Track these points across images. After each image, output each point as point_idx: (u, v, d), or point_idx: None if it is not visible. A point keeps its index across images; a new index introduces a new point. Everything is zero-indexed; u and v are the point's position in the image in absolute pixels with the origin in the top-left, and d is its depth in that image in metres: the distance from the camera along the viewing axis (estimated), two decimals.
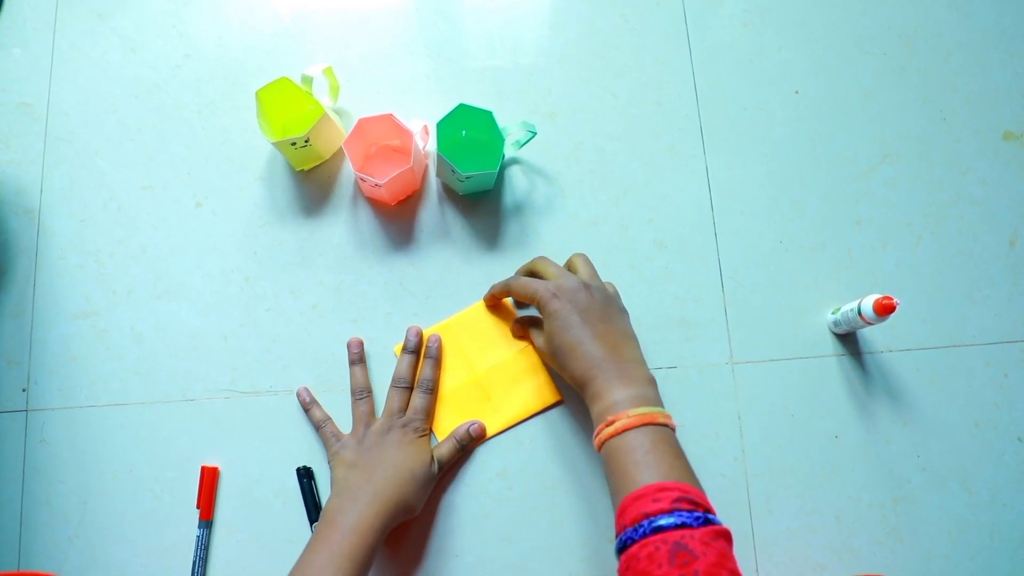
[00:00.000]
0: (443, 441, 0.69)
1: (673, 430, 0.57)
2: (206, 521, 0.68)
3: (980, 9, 0.82)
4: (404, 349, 0.70)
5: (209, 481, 0.68)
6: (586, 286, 0.63)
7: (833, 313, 0.72)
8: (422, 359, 0.71)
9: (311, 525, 0.68)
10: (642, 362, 0.62)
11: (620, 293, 0.71)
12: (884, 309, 0.64)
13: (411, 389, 0.70)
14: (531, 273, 0.68)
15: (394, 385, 0.69)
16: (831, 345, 0.73)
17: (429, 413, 0.69)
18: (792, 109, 0.79)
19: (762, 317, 0.73)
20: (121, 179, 0.76)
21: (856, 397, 0.72)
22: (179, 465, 0.70)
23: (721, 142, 0.77)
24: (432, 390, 0.70)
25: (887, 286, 0.74)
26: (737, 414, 0.71)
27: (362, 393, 0.69)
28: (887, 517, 0.70)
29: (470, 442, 0.69)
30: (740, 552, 0.67)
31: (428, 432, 0.69)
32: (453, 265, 0.74)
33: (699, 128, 0.78)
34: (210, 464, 0.69)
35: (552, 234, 0.75)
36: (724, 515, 0.68)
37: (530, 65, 0.79)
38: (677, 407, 0.71)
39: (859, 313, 0.66)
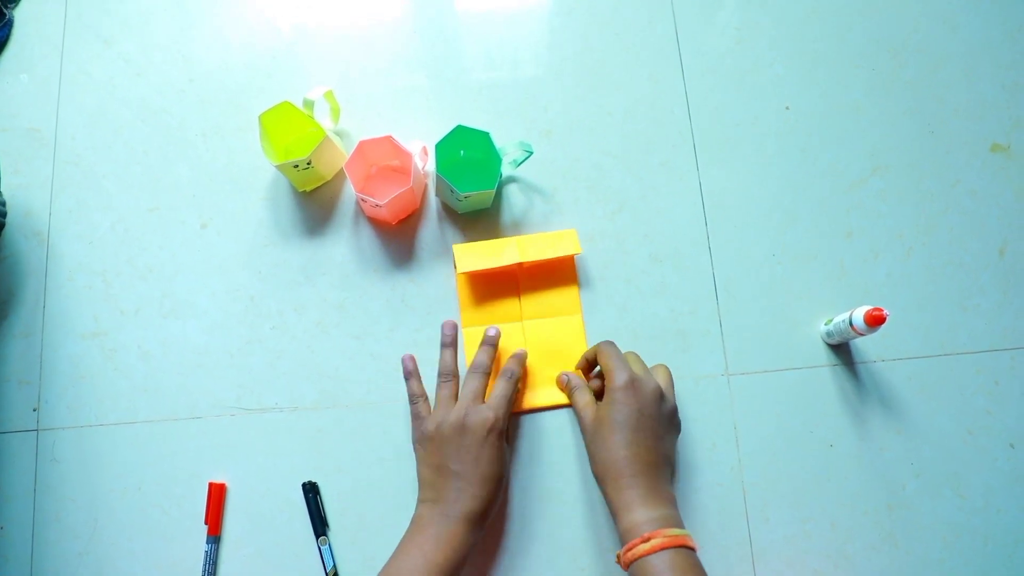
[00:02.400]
0: (501, 407, 0.66)
1: (695, 551, 0.59)
2: (214, 536, 0.69)
3: (968, 23, 0.84)
4: (483, 343, 0.70)
5: (217, 497, 0.70)
6: (661, 396, 0.64)
7: (826, 324, 0.73)
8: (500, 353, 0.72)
9: (317, 539, 0.69)
10: (670, 482, 0.63)
11: (616, 307, 0.74)
12: (874, 320, 0.65)
13: (489, 375, 0.69)
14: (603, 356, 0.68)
15: (471, 371, 0.68)
16: (824, 355, 0.74)
17: (510, 405, 0.67)
18: (783, 123, 0.80)
19: (756, 328, 0.75)
20: (128, 201, 0.78)
21: (850, 406, 0.73)
22: (187, 481, 0.71)
23: (714, 157, 0.79)
24: (515, 380, 0.68)
25: (879, 296, 0.76)
26: (733, 424, 0.73)
27: (448, 376, 0.68)
28: (882, 523, 0.71)
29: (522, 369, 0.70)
30: (738, 560, 0.69)
31: (506, 423, 0.67)
32: (453, 282, 0.75)
33: (692, 143, 0.79)
34: (217, 480, 0.71)
35: None
36: (721, 524, 0.70)
37: (526, 83, 0.81)
38: None
39: (850, 324, 0.68)
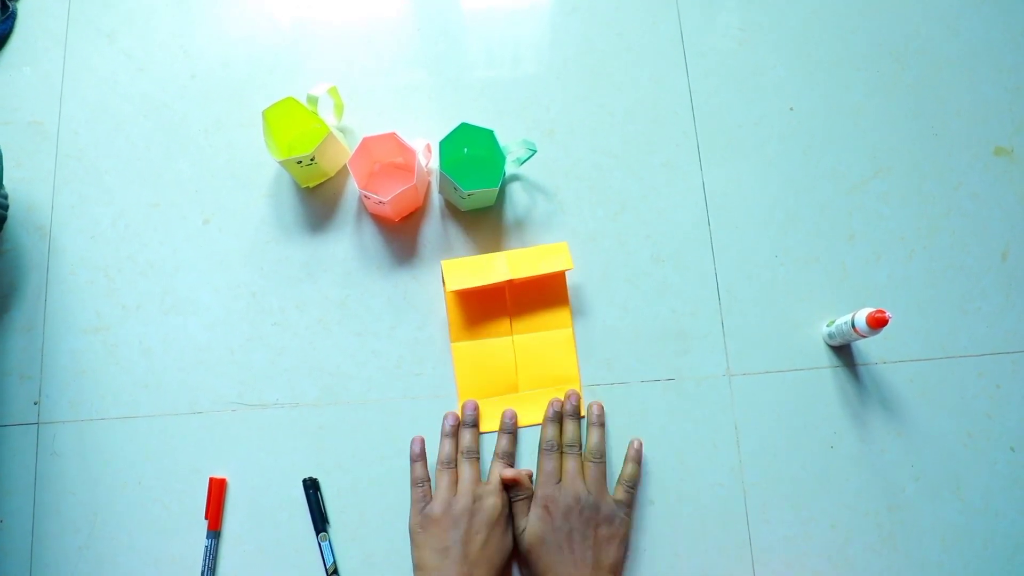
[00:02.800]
0: (515, 504, 0.68)
1: None
2: (214, 531, 0.69)
3: (970, 26, 0.84)
4: (463, 424, 0.71)
5: (217, 492, 0.70)
6: (580, 509, 0.65)
7: (828, 325, 0.74)
8: (499, 433, 0.72)
9: (317, 535, 0.69)
10: None
11: (618, 307, 0.73)
12: (877, 322, 0.65)
13: (478, 456, 0.70)
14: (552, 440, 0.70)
15: (466, 456, 0.69)
16: (826, 357, 0.75)
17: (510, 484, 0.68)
18: (786, 125, 0.80)
19: (758, 329, 0.75)
20: (130, 196, 0.78)
21: (851, 408, 0.73)
22: (187, 477, 0.71)
23: (717, 158, 0.79)
24: (511, 462, 0.70)
25: (880, 299, 0.76)
26: (734, 425, 0.73)
27: (449, 463, 0.69)
28: (881, 525, 0.71)
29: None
30: (738, 560, 0.69)
31: (508, 504, 0.67)
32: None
33: (695, 144, 0.79)
34: (218, 475, 0.71)
35: None
36: (721, 524, 0.70)
37: (529, 83, 0.81)
38: (675, 419, 0.72)
39: (852, 326, 0.68)
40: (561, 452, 0.69)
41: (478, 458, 0.69)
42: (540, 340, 0.73)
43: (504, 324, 0.74)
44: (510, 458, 0.70)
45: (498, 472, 0.68)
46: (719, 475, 0.72)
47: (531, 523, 0.65)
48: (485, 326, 0.74)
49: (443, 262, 0.72)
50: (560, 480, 0.67)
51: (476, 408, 0.71)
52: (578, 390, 0.73)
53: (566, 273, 0.75)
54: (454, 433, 0.70)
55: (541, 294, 0.74)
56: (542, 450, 0.69)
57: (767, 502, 0.71)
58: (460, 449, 0.69)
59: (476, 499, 0.65)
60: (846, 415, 0.73)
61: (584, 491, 0.66)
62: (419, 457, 0.69)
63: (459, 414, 0.71)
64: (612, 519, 0.66)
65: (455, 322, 0.74)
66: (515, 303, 0.74)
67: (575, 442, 0.69)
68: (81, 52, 0.81)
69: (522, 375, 0.73)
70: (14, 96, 0.80)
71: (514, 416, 0.71)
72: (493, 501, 0.65)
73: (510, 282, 0.73)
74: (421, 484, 0.68)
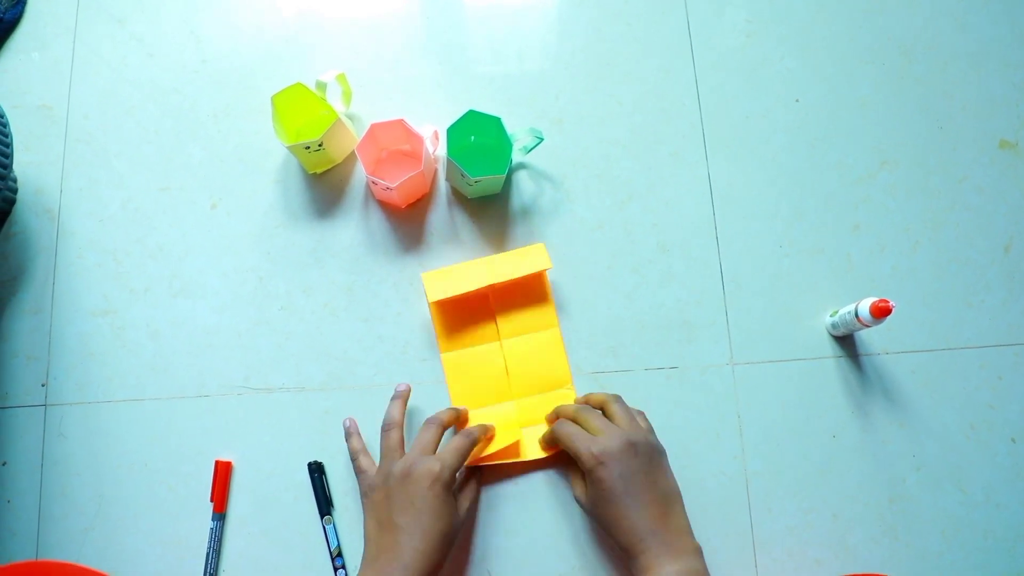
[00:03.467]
0: (464, 487, 0.67)
1: None
2: (219, 514, 0.69)
3: (978, 20, 0.84)
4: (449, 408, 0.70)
5: (223, 475, 0.70)
6: (631, 445, 0.61)
7: (831, 315, 0.74)
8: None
9: (321, 519, 0.69)
10: (688, 530, 0.61)
11: (623, 296, 0.74)
12: (880, 312, 0.65)
13: (443, 429, 0.67)
14: (576, 414, 0.66)
15: (428, 422, 0.67)
16: (829, 347, 0.75)
17: (461, 461, 0.63)
18: (793, 117, 0.80)
19: (762, 319, 0.75)
20: (139, 180, 0.78)
21: (853, 398, 0.73)
22: (193, 459, 0.71)
23: (723, 148, 0.79)
24: (473, 439, 0.65)
25: (884, 290, 0.76)
26: (737, 414, 0.73)
27: (391, 426, 0.67)
28: (883, 516, 0.71)
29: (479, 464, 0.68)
30: (739, 549, 0.69)
31: (455, 475, 0.63)
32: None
33: (702, 135, 0.79)
34: (224, 459, 0.71)
35: (558, 237, 0.76)
36: (723, 513, 0.70)
37: (537, 72, 0.81)
38: (678, 407, 0.73)
39: (856, 316, 0.68)
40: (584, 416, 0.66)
41: (442, 428, 0.67)
42: (528, 343, 0.73)
43: (491, 329, 0.74)
44: (473, 435, 0.66)
45: (456, 443, 0.64)
46: (722, 464, 0.72)
47: (590, 482, 0.62)
48: (472, 333, 0.73)
49: (423, 274, 0.73)
50: (596, 435, 0.62)
51: (408, 385, 0.71)
52: (572, 392, 0.73)
53: (554, 271, 0.75)
54: (400, 396, 0.69)
55: (524, 296, 0.74)
56: (559, 426, 0.65)
57: (769, 491, 0.71)
58: (397, 420, 0.68)
59: (414, 464, 0.62)
60: (849, 405, 0.73)
61: (629, 430, 0.63)
62: (351, 433, 0.70)
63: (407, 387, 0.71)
64: (658, 448, 0.64)
65: (441, 333, 0.73)
66: (499, 307, 0.74)
67: (582, 403, 0.68)
68: (91, 37, 0.82)
69: (514, 381, 0.73)
70: (24, 80, 0.81)
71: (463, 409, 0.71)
72: (429, 466, 0.61)
73: (492, 287, 0.72)
74: (356, 456, 0.68)
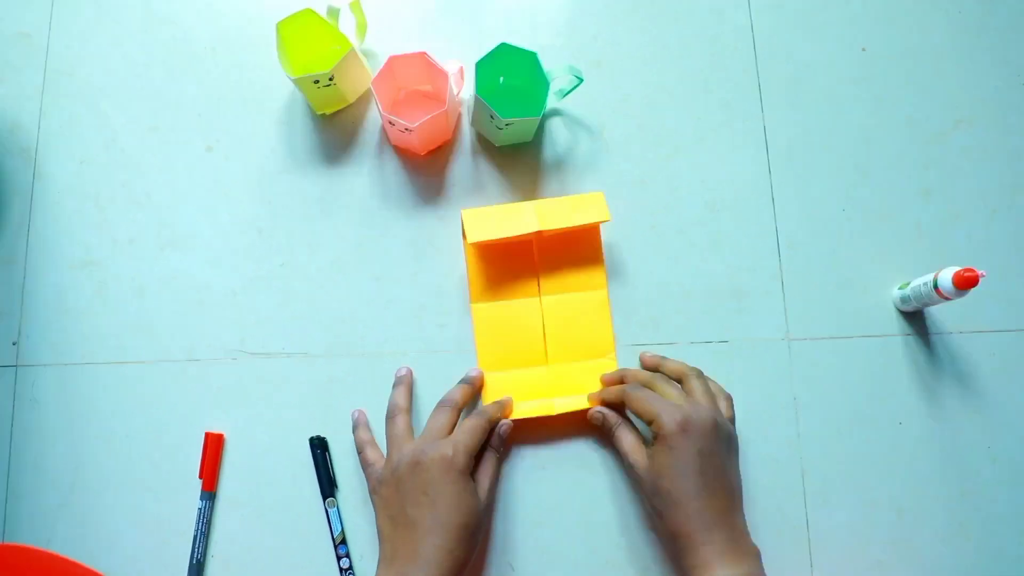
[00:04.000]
0: (480, 467, 0.59)
1: None
2: (209, 492, 0.63)
3: None
4: (461, 380, 0.63)
5: (213, 449, 0.64)
6: (716, 425, 0.55)
7: (900, 288, 0.66)
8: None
9: (324, 501, 0.62)
10: (748, 532, 0.55)
11: (667, 260, 0.68)
12: (966, 282, 0.59)
13: (458, 413, 0.61)
14: (649, 381, 0.60)
15: (440, 405, 0.61)
16: (896, 323, 0.67)
17: (477, 442, 0.58)
18: (858, 67, 0.73)
19: (822, 290, 0.68)
20: (125, 118, 0.70)
21: (922, 381, 0.67)
22: (181, 430, 0.65)
23: (780, 99, 0.71)
24: (487, 418, 0.60)
25: (958, 261, 0.67)
26: (793, 395, 0.66)
27: (397, 412, 0.61)
28: (953, 512, 0.64)
29: (504, 445, 0.62)
30: (793, 545, 0.63)
31: (471, 458, 0.57)
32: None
33: (757, 83, 0.72)
34: (215, 431, 0.64)
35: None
36: (776, 505, 0.63)
37: (574, 8, 0.73)
38: (728, 386, 0.65)
39: (935, 287, 0.61)
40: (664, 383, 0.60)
41: (456, 410, 0.61)
42: (571, 302, 0.66)
43: (531, 284, 0.66)
44: (487, 415, 0.60)
45: (471, 423, 0.59)
46: (775, 450, 0.65)
47: (663, 449, 0.55)
48: (510, 286, 0.66)
49: (463, 211, 0.65)
50: (679, 403, 0.56)
51: (409, 369, 0.64)
52: (613, 362, 0.66)
53: (601, 227, 0.67)
54: (403, 382, 0.63)
55: (573, 251, 0.67)
56: (631, 390, 0.59)
57: (827, 481, 0.64)
58: (403, 405, 0.62)
59: (425, 450, 0.56)
60: (917, 389, 0.66)
61: (716, 411, 0.57)
62: (359, 424, 0.63)
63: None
64: (735, 438, 0.59)
65: (476, 280, 0.66)
66: (544, 260, 0.66)
67: (654, 374, 0.61)
68: None
69: (551, 343, 0.65)
70: None
71: (480, 374, 0.64)
72: (441, 451, 0.55)
73: (539, 236, 0.65)
74: (363, 447, 0.61)
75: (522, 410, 0.63)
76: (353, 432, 0.63)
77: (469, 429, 0.58)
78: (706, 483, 0.53)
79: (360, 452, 0.61)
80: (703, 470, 0.54)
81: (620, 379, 0.63)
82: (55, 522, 0.63)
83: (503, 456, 0.62)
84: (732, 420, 0.60)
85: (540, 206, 0.64)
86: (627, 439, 0.59)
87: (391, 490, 0.56)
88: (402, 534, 0.54)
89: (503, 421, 0.61)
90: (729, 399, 0.62)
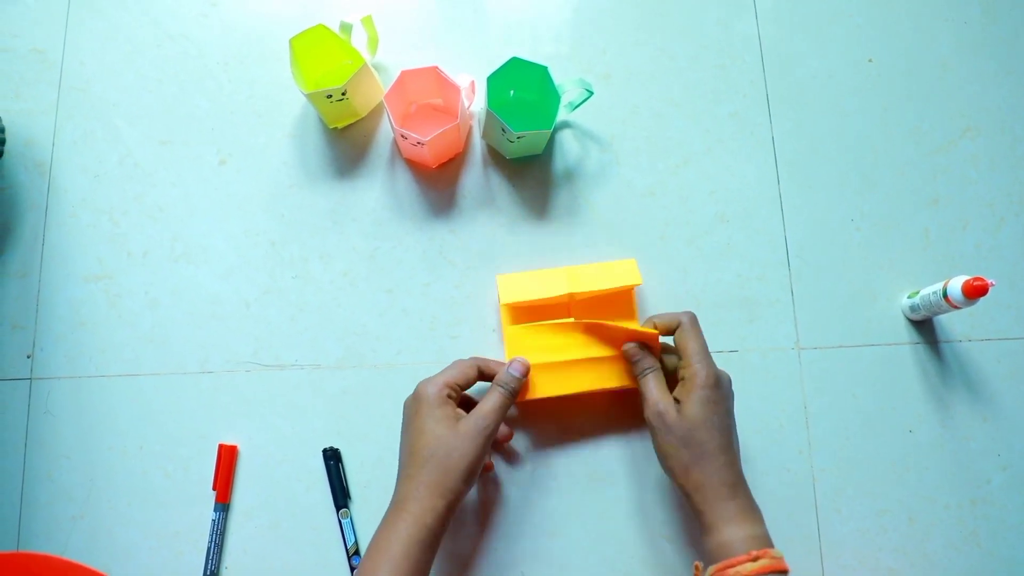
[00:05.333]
0: (483, 399, 0.57)
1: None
2: (222, 504, 0.63)
3: None
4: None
5: (227, 460, 0.64)
6: (732, 393, 0.58)
7: (910, 297, 0.66)
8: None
9: (337, 512, 0.63)
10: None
11: (677, 270, 0.69)
12: (975, 291, 0.59)
13: (480, 376, 0.60)
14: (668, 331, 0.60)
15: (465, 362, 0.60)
16: (906, 332, 0.68)
17: (459, 376, 0.58)
18: (865, 78, 0.73)
19: (831, 299, 0.68)
20: (139, 133, 0.71)
21: (932, 389, 0.67)
22: (194, 442, 0.65)
23: (788, 110, 0.72)
24: (481, 363, 0.60)
25: (966, 270, 0.68)
26: (803, 404, 0.66)
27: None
28: (964, 520, 0.64)
29: (518, 386, 0.59)
30: (805, 553, 0.63)
31: (447, 395, 0.56)
32: (498, 235, 0.68)
33: (765, 95, 0.72)
34: (228, 442, 0.64)
35: (605, 204, 0.69)
36: (788, 513, 0.63)
37: (583, 22, 0.74)
38: (739, 394, 0.65)
39: (944, 296, 0.61)
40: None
41: (473, 363, 0.60)
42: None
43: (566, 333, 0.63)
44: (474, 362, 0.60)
45: (457, 361, 0.59)
46: (785, 459, 0.65)
47: (702, 400, 0.55)
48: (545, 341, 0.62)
49: (498, 276, 0.65)
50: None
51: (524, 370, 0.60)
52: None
53: (635, 292, 0.67)
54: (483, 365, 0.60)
55: (607, 313, 0.66)
56: (685, 328, 0.59)
57: (838, 490, 0.65)
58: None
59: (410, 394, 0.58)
60: (927, 397, 0.67)
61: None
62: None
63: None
64: None
65: (511, 342, 0.62)
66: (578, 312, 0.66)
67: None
68: None
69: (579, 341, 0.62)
70: (15, 21, 0.73)
71: (522, 362, 0.60)
72: (418, 388, 0.57)
73: (573, 299, 0.65)
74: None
75: (559, 384, 0.61)
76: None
77: (453, 365, 0.59)
78: (731, 442, 0.56)
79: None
80: (730, 428, 0.56)
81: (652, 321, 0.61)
82: (70, 533, 0.63)
83: (512, 393, 0.58)
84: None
85: (572, 271, 0.64)
86: (659, 385, 0.58)
87: (404, 423, 0.58)
88: (406, 457, 0.56)
89: (515, 358, 0.60)
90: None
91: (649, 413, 0.57)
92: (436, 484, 0.53)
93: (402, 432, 0.57)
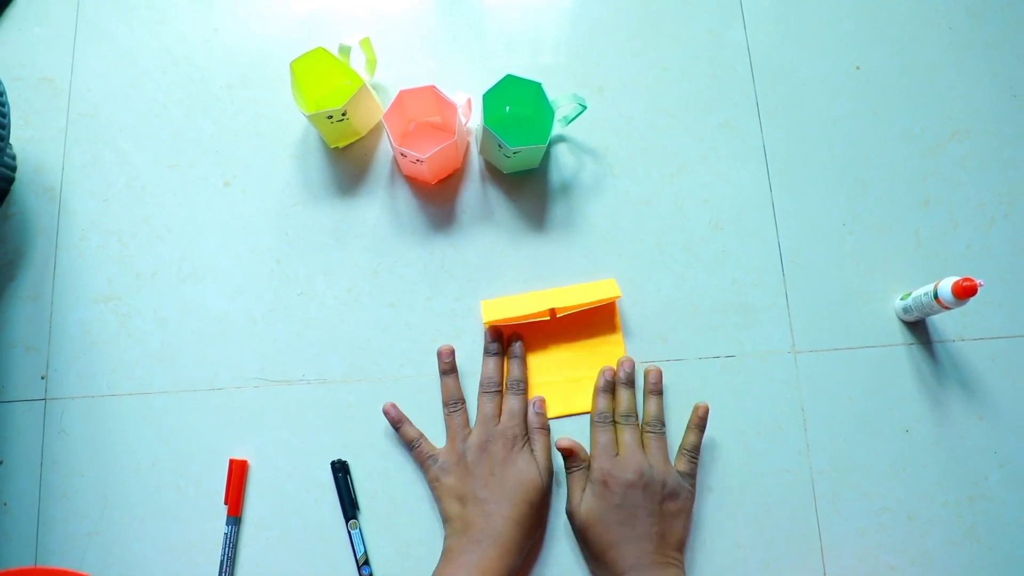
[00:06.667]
0: (535, 446, 0.63)
1: None
2: (234, 517, 0.64)
3: None
4: (485, 352, 0.66)
5: (238, 475, 0.65)
6: (644, 484, 0.59)
7: (902, 299, 0.67)
8: (507, 359, 0.67)
9: (347, 523, 0.64)
10: (676, 558, 0.59)
11: (674, 276, 0.69)
12: (965, 292, 0.60)
13: (502, 393, 0.65)
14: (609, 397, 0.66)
15: (483, 390, 0.65)
16: (899, 333, 0.69)
17: (524, 419, 0.64)
18: (854, 84, 0.74)
19: (825, 303, 0.69)
20: (146, 156, 0.72)
21: (927, 389, 0.67)
22: (205, 458, 0.66)
23: (779, 118, 0.73)
24: (524, 391, 0.65)
25: (958, 270, 0.70)
26: (800, 406, 0.67)
27: (456, 405, 0.65)
28: (962, 516, 0.65)
29: (545, 421, 0.65)
30: (806, 553, 0.64)
31: (527, 438, 0.64)
32: (497, 248, 0.70)
33: (755, 103, 0.73)
34: (239, 457, 0.65)
35: (601, 215, 0.70)
36: (787, 514, 0.64)
37: (576, 36, 0.75)
38: (736, 398, 0.67)
39: (935, 297, 0.62)
40: (615, 424, 0.64)
41: (500, 392, 0.65)
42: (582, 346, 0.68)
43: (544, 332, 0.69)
44: (522, 386, 0.65)
45: (514, 405, 0.64)
46: (784, 460, 0.66)
47: (588, 499, 0.60)
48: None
49: (483, 301, 0.68)
50: (618, 453, 0.61)
51: (452, 353, 0.67)
52: (620, 345, 0.68)
53: (617, 304, 0.69)
54: (451, 369, 0.67)
55: (589, 329, 0.68)
56: (595, 423, 0.64)
57: (837, 490, 0.65)
58: (457, 395, 0.66)
59: (488, 434, 0.63)
60: (922, 397, 0.67)
61: (646, 464, 0.60)
62: (400, 420, 0.65)
63: (451, 352, 0.67)
64: (677, 493, 0.60)
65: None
66: (560, 335, 0.69)
67: (631, 412, 0.64)
68: (95, 2, 0.76)
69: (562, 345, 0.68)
70: (23, 51, 0.75)
71: (523, 346, 0.67)
72: (504, 430, 0.63)
73: (555, 317, 0.67)
74: (416, 443, 0.64)
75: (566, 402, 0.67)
76: (397, 428, 0.65)
77: (517, 407, 0.64)
78: (625, 533, 0.57)
79: (414, 447, 0.64)
80: (621, 521, 0.58)
81: (613, 382, 0.66)
82: (85, 550, 0.64)
83: (547, 429, 0.65)
84: (689, 473, 0.62)
85: (554, 293, 0.68)
86: (576, 483, 0.62)
87: (460, 475, 0.61)
88: (472, 509, 0.59)
89: (533, 403, 0.65)
90: (687, 455, 0.63)
91: (567, 507, 0.63)
92: (530, 530, 0.61)
93: (492, 475, 0.61)
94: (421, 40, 0.75)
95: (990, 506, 0.65)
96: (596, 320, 0.68)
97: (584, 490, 0.61)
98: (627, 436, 0.62)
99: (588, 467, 0.62)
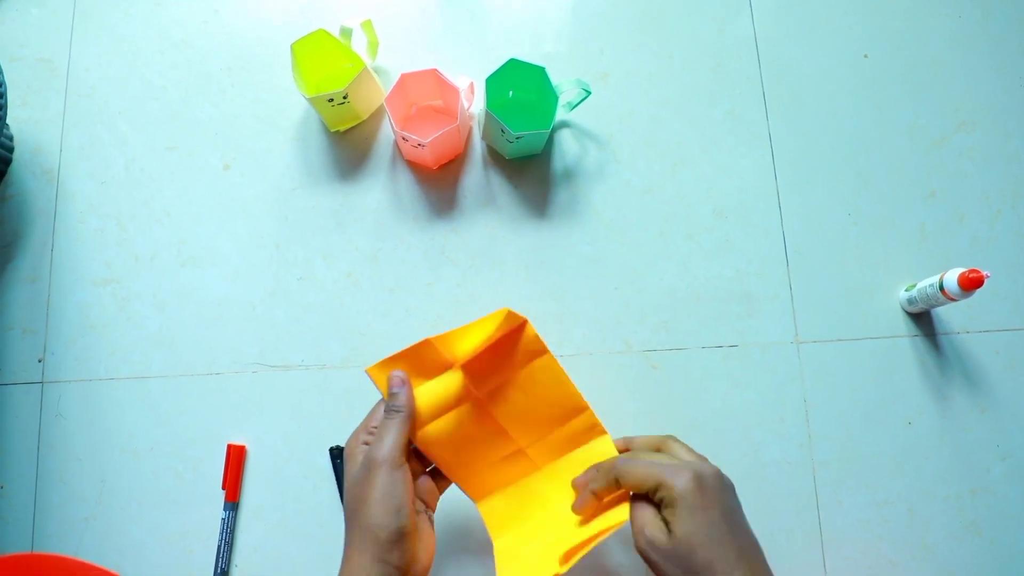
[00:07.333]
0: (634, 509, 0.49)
1: None
2: (232, 503, 0.64)
3: None
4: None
5: (235, 460, 0.64)
6: (723, 476, 0.47)
7: (907, 290, 0.67)
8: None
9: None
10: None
11: (677, 265, 0.68)
12: (971, 283, 0.59)
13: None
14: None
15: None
16: (904, 325, 0.68)
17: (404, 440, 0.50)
18: (860, 74, 0.74)
19: (829, 294, 0.69)
20: (145, 139, 0.72)
21: (931, 381, 0.67)
22: (203, 443, 0.65)
23: (784, 108, 0.72)
24: (406, 416, 0.51)
25: (963, 262, 0.69)
26: (803, 397, 0.66)
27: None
28: (964, 510, 0.65)
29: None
30: (807, 545, 0.64)
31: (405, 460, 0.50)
32: (499, 233, 0.69)
33: (761, 93, 0.73)
34: (237, 442, 0.65)
35: (604, 202, 0.70)
36: (788, 507, 0.64)
37: (580, 23, 0.74)
38: (738, 389, 0.66)
39: (940, 288, 0.61)
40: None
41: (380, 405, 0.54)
42: (519, 386, 0.54)
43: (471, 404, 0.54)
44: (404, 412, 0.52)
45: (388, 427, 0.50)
46: (786, 452, 0.65)
47: (680, 518, 0.44)
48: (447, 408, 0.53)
49: (367, 369, 0.55)
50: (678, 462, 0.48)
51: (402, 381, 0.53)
52: (592, 418, 0.55)
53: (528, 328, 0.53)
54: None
55: (500, 360, 0.53)
56: (623, 463, 0.49)
57: (838, 482, 0.65)
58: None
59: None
60: (925, 388, 0.67)
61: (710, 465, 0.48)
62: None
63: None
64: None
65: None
66: (478, 383, 0.53)
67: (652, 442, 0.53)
68: None
69: (517, 433, 0.54)
70: (21, 31, 0.74)
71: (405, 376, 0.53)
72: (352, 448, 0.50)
73: (466, 368, 0.53)
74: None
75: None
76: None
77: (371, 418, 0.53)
78: (742, 545, 0.45)
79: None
80: (734, 530, 0.45)
81: (613, 475, 0.50)
82: (82, 534, 0.64)
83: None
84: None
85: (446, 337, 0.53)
86: (644, 513, 0.47)
87: (347, 491, 0.52)
88: (347, 522, 0.51)
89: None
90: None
91: (639, 544, 0.46)
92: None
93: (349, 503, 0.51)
94: (424, 25, 0.74)
95: (992, 499, 0.65)
96: (555, 405, 0.54)
97: (674, 513, 0.45)
98: (676, 445, 0.51)
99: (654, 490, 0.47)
